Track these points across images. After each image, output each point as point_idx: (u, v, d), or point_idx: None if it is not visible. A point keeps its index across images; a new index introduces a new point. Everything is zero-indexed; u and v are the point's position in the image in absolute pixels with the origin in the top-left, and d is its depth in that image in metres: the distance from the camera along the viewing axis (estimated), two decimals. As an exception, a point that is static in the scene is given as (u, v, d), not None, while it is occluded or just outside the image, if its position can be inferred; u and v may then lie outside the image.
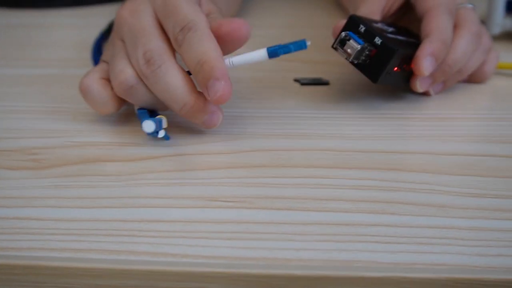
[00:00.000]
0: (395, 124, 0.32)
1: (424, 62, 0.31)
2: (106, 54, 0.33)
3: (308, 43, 0.29)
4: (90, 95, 0.30)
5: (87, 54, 0.43)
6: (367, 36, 0.31)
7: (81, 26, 0.53)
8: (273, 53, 0.29)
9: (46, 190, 0.26)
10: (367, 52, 0.31)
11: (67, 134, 0.31)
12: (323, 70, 0.39)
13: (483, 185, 0.26)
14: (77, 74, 0.41)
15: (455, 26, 0.34)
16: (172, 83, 0.28)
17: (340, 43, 0.31)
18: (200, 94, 0.29)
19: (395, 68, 0.32)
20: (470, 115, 0.34)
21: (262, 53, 0.29)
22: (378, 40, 0.30)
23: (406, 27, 0.37)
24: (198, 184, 0.26)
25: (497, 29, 0.44)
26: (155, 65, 0.28)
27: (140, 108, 0.30)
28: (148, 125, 0.28)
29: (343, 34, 0.31)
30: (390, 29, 0.33)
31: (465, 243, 0.22)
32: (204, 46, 0.28)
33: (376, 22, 0.33)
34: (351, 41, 0.30)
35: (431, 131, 0.32)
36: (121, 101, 0.31)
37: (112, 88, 0.30)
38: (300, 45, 0.29)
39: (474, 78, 0.37)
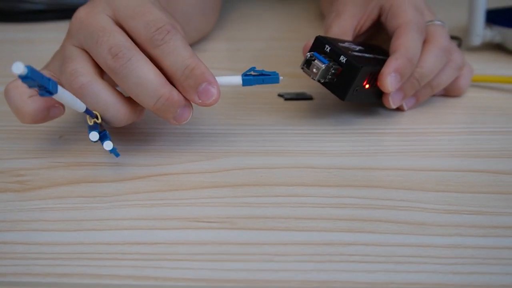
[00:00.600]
0: (376, 139, 0.33)
1: (388, 79, 0.32)
2: (51, 64, 0.31)
3: (281, 78, 0.30)
4: (8, 100, 0.29)
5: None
6: (333, 55, 0.32)
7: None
8: (247, 82, 0.30)
9: (31, 213, 0.26)
10: (332, 71, 0.32)
11: (54, 154, 0.31)
12: (307, 85, 0.40)
13: (460, 201, 0.27)
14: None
15: (424, 42, 0.35)
16: (146, 76, 0.27)
17: (306, 64, 0.32)
18: (173, 87, 0.28)
19: (366, 85, 0.33)
20: (448, 129, 0.34)
21: (237, 79, 0.30)
22: (343, 59, 0.31)
23: (379, 45, 0.38)
24: (181, 205, 0.27)
25: (477, 40, 0.45)
26: (124, 59, 0.27)
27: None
28: (94, 135, 0.28)
29: (308, 55, 0.32)
30: (358, 48, 0.34)
31: (440, 261, 0.23)
32: (188, 50, 0.28)
33: (344, 41, 0.34)
34: (316, 61, 0.31)
35: (410, 146, 0.32)
36: (39, 113, 0.29)
37: (35, 96, 0.28)
38: (273, 80, 0.30)
39: (450, 92, 0.37)
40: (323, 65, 0.31)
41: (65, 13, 0.57)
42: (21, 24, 0.57)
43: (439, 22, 0.36)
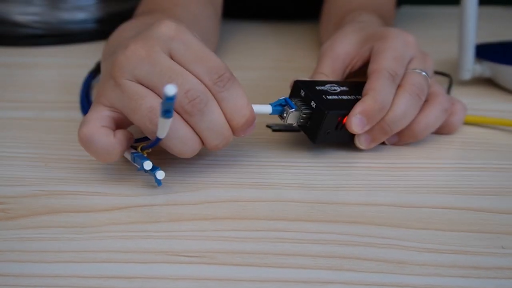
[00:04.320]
0: (360, 173, 0.33)
1: (353, 120, 0.33)
2: (102, 97, 0.30)
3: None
4: (93, 146, 0.29)
5: (67, 97, 0.44)
6: (307, 100, 0.33)
7: (63, 66, 0.54)
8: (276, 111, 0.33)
9: (11, 243, 0.26)
10: (303, 115, 0.33)
11: (37, 182, 0.31)
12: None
13: (441, 239, 0.27)
14: (54, 117, 0.41)
15: (397, 88, 0.35)
16: (218, 121, 0.29)
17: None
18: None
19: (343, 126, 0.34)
20: (433, 165, 0.34)
21: (267, 108, 0.33)
22: (313, 104, 0.33)
23: None
24: (160, 238, 0.27)
25: (467, 75, 0.46)
26: (201, 104, 0.29)
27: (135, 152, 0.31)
28: (148, 164, 0.30)
29: (283, 100, 0.33)
30: (340, 89, 0.35)
31: (418, 302, 0.23)
32: (244, 98, 0.30)
33: (326, 83, 0.35)
34: (287, 106, 0.33)
35: (394, 181, 0.32)
36: (124, 148, 0.30)
37: (114, 135, 0.30)
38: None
39: (441, 130, 0.37)
40: (291, 110, 0.33)
41: (62, 38, 0.58)
42: (18, 48, 0.58)
43: (419, 71, 0.35)
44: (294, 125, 0.33)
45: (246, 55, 0.57)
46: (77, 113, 0.41)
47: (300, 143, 0.37)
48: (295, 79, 0.34)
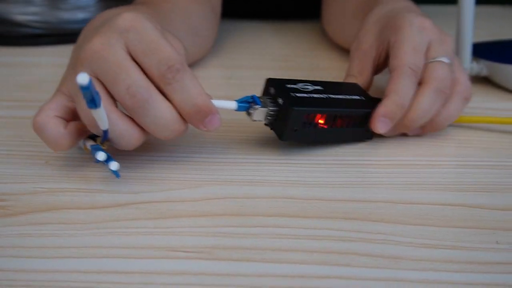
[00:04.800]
0: (357, 171, 0.33)
1: (377, 123, 0.34)
2: (64, 86, 0.32)
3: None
4: (44, 134, 0.30)
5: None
6: (275, 97, 0.33)
7: (63, 65, 0.54)
8: (242, 108, 0.33)
9: (11, 239, 0.27)
10: (271, 113, 0.33)
11: (37, 179, 0.32)
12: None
13: (437, 235, 0.27)
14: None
15: (420, 83, 0.35)
16: (161, 115, 0.29)
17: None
18: (184, 120, 0.31)
19: (323, 124, 0.34)
20: (429, 162, 0.35)
21: (232, 104, 0.32)
22: (280, 101, 0.33)
23: (355, 84, 0.38)
24: (159, 234, 0.27)
25: None
26: (142, 100, 0.29)
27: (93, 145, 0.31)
28: (101, 154, 0.30)
29: (249, 97, 0.33)
30: (312, 88, 0.35)
31: (413, 296, 0.23)
32: (196, 88, 0.30)
33: (299, 82, 0.35)
34: (253, 103, 0.33)
35: (391, 178, 0.32)
36: (75, 139, 0.31)
37: (66, 126, 0.31)
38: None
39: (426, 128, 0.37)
40: (256, 106, 0.33)
41: (62, 37, 0.59)
42: (17, 48, 0.58)
43: (442, 58, 0.35)
44: (261, 122, 0.33)
45: (245, 54, 0.58)
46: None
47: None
48: (267, 77, 0.34)
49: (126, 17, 0.30)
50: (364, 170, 0.33)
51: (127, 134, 0.30)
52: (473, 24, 0.44)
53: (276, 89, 0.33)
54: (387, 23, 0.38)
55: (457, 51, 0.46)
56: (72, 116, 0.32)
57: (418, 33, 0.36)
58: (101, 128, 0.29)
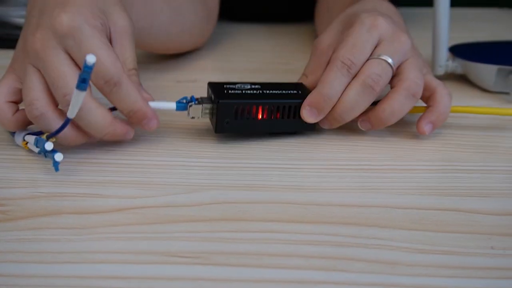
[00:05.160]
0: (354, 175, 0.34)
1: (304, 111, 0.36)
2: (16, 65, 0.34)
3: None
4: None
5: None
6: (211, 96, 0.37)
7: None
8: (180, 107, 0.36)
9: (9, 244, 0.27)
10: (206, 110, 0.36)
11: (36, 184, 0.32)
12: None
13: (432, 240, 0.27)
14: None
15: (353, 78, 0.36)
16: (94, 119, 0.32)
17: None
18: (117, 121, 0.34)
19: (256, 116, 0.36)
20: (425, 167, 0.35)
21: (171, 105, 0.36)
22: (212, 97, 0.36)
23: (299, 83, 0.39)
24: (157, 239, 0.27)
25: (440, 71, 0.48)
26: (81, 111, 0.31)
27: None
28: (48, 145, 0.32)
29: (186, 97, 0.36)
30: (249, 87, 0.37)
31: (408, 301, 0.23)
32: (132, 97, 0.33)
33: (239, 83, 0.38)
34: (191, 102, 0.36)
35: (387, 183, 0.33)
36: (20, 126, 0.34)
37: (16, 111, 0.34)
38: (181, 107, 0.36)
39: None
40: (191, 103, 0.36)
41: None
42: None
43: (383, 56, 0.35)
44: (198, 118, 0.36)
45: (242, 57, 0.58)
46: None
47: (294, 146, 0.37)
48: (208, 82, 0.38)
49: (64, 22, 0.31)
50: (361, 175, 0.34)
51: (70, 137, 0.33)
52: (448, 25, 0.45)
53: (213, 89, 0.37)
54: (346, 24, 0.38)
55: (433, 50, 0.47)
56: (22, 96, 0.34)
57: (365, 32, 0.36)
58: (69, 115, 0.30)
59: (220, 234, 0.28)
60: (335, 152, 0.36)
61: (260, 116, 0.36)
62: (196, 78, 0.50)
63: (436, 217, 0.29)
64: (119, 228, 0.28)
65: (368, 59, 0.35)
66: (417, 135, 0.38)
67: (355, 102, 0.35)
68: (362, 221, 0.29)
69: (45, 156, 0.32)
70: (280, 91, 0.37)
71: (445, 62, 0.47)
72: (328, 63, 0.38)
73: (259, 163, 0.35)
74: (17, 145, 0.36)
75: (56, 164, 0.32)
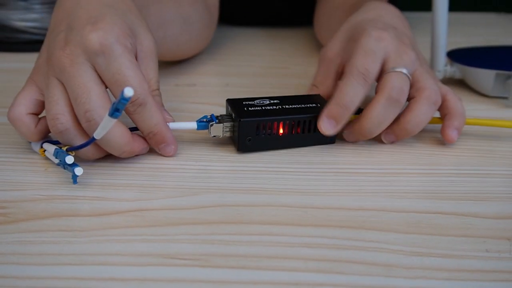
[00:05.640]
0: (351, 179, 0.34)
1: (321, 124, 0.36)
2: (37, 77, 0.34)
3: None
4: (17, 129, 0.34)
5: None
6: (231, 114, 0.36)
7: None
8: (201, 127, 0.36)
9: (11, 246, 0.27)
10: (227, 128, 0.36)
11: (37, 187, 0.32)
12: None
13: (428, 243, 0.28)
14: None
15: (376, 92, 0.36)
16: (113, 139, 0.33)
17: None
18: (135, 139, 0.34)
19: (278, 132, 0.36)
20: (423, 171, 0.35)
21: (193, 125, 0.36)
22: (233, 115, 0.36)
23: (317, 95, 0.39)
24: (157, 241, 0.27)
25: (439, 75, 0.48)
26: (96, 125, 0.31)
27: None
28: (69, 158, 0.32)
29: (208, 116, 0.37)
30: (268, 102, 0.37)
31: (404, 303, 0.24)
32: (154, 119, 0.34)
33: (257, 99, 0.38)
34: (211, 121, 0.36)
35: (384, 187, 0.33)
36: (43, 136, 0.35)
37: (38, 123, 0.34)
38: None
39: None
40: (212, 123, 0.36)
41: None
42: (17, 53, 0.58)
43: (399, 69, 0.36)
44: (220, 137, 0.37)
45: (242, 61, 0.58)
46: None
47: (292, 149, 0.37)
48: (226, 99, 0.38)
49: (96, 39, 0.31)
50: (358, 179, 0.34)
51: (88, 152, 0.33)
52: (446, 29, 0.46)
53: (233, 106, 0.37)
54: (353, 35, 0.38)
55: (432, 55, 0.48)
56: (42, 107, 0.34)
57: (374, 42, 0.36)
58: (95, 136, 0.30)
59: (220, 236, 0.28)
60: (333, 156, 0.37)
61: (281, 132, 0.36)
62: (195, 82, 0.50)
63: (433, 220, 0.30)
64: (118, 231, 0.28)
65: (385, 73, 0.36)
66: (413, 141, 0.39)
67: (382, 116, 0.35)
68: (359, 224, 0.29)
69: (64, 168, 0.32)
70: (299, 105, 0.37)
71: (443, 67, 0.48)
72: (336, 72, 0.39)
73: (257, 166, 0.35)
74: (32, 150, 0.36)
75: (75, 177, 0.32)
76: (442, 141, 0.39)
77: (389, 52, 0.36)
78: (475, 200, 0.32)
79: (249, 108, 0.36)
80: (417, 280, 0.25)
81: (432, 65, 0.48)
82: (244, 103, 0.37)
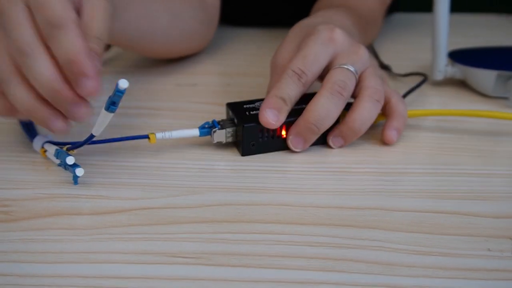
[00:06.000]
0: (353, 179, 0.34)
1: (263, 113, 0.35)
2: None
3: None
4: None
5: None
6: (233, 119, 0.36)
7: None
8: (203, 133, 0.36)
9: (13, 244, 0.27)
10: (229, 133, 0.36)
11: (39, 185, 0.32)
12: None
13: (430, 242, 0.28)
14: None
15: (320, 87, 0.36)
16: (42, 72, 0.29)
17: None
18: (66, 84, 0.30)
19: (280, 134, 0.36)
20: (424, 170, 0.35)
21: (195, 131, 0.36)
22: (235, 120, 0.36)
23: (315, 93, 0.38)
24: (159, 239, 0.28)
25: (440, 76, 0.49)
26: (26, 54, 0.29)
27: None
28: (70, 159, 0.31)
29: (210, 122, 0.36)
30: None
31: (407, 302, 0.24)
32: (73, 44, 0.29)
33: (257, 101, 0.38)
34: (213, 127, 0.36)
35: (386, 186, 0.33)
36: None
37: None
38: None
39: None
40: (215, 129, 0.36)
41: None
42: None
43: (344, 66, 0.36)
44: (223, 142, 0.36)
45: (242, 61, 0.58)
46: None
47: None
48: (226, 103, 0.38)
49: None
50: (359, 178, 0.34)
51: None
52: (447, 30, 0.46)
53: (234, 111, 0.37)
54: (304, 36, 0.39)
55: (433, 55, 0.48)
56: None
57: (319, 45, 0.36)
58: (93, 132, 0.30)
59: (222, 235, 0.28)
60: (333, 156, 0.37)
61: (284, 134, 0.36)
62: (196, 82, 0.50)
63: (434, 219, 0.30)
64: (121, 229, 0.28)
65: (330, 69, 0.36)
66: (416, 139, 0.39)
67: (326, 109, 0.35)
68: (361, 223, 0.29)
69: (65, 169, 0.32)
70: (300, 106, 0.37)
71: (444, 67, 0.48)
72: None
73: (259, 165, 0.35)
74: (33, 149, 0.36)
75: (76, 178, 0.32)
76: (443, 141, 0.39)
77: (339, 52, 0.37)
78: (476, 199, 0.32)
79: (251, 112, 0.37)
80: (419, 279, 0.25)
81: (433, 65, 0.48)
82: (244, 106, 0.37)
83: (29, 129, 0.37)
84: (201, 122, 0.36)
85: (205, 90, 0.48)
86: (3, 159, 0.35)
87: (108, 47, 0.56)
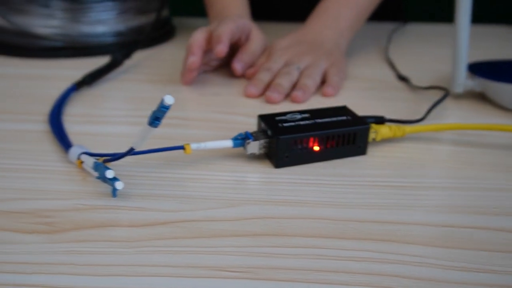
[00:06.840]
0: (390, 193, 0.34)
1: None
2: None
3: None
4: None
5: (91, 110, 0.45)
6: (266, 130, 0.37)
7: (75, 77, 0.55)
8: (237, 144, 0.37)
9: (58, 256, 0.27)
10: (263, 145, 0.37)
11: (78, 196, 0.32)
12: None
13: (466, 258, 0.28)
14: (82, 131, 0.42)
15: None
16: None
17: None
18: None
19: (314, 147, 0.37)
20: (459, 185, 0.36)
21: (228, 143, 0.37)
22: (269, 133, 0.37)
23: (343, 107, 0.41)
24: (204, 253, 0.28)
25: (459, 88, 0.49)
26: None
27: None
28: (110, 172, 0.32)
29: (243, 134, 0.37)
30: (300, 116, 0.39)
31: (454, 318, 0.24)
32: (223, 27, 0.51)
33: (288, 113, 0.39)
34: (247, 138, 0.37)
35: (422, 200, 0.34)
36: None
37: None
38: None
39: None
40: (249, 141, 0.37)
41: (81, 51, 0.59)
42: (37, 60, 0.59)
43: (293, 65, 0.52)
44: (256, 154, 0.37)
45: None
46: (95, 126, 0.42)
47: (329, 162, 0.38)
48: (258, 115, 0.39)
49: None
50: (393, 192, 0.34)
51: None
52: (467, 44, 0.47)
53: (267, 122, 0.37)
54: (301, 38, 0.56)
55: (453, 68, 0.49)
56: None
57: (274, 54, 0.54)
58: (134, 146, 0.31)
59: (265, 249, 0.28)
60: (364, 169, 0.37)
61: (316, 147, 0.37)
62: (218, 92, 0.51)
63: (469, 235, 0.30)
64: (163, 242, 0.29)
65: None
66: (441, 154, 0.39)
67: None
68: (401, 238, 0.30)
69: (104, 181, 0.32)
70: (331, 119, 0.38)
71: (464, 80, 0.48)
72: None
73: (292, 178, 0.36)
74: (68, 160, 0.36)
75: (115, 191, 0.32)
76: (477, 155, 0.39)
77: (290, 58, 0.53)
78: (506, 215, 0.32)
79: (284, 124, 0.37)
80: (464, 295, 0.25)
81: (453, 78, 0.49)
82: (276, 118, 0.38)
83: (63, 139, 0.37)
84: (228, 133, 0.37)
85: (228, 100, 0.49)
86: (39, 169, 0.35)
87: (128, 55, 0.56)
